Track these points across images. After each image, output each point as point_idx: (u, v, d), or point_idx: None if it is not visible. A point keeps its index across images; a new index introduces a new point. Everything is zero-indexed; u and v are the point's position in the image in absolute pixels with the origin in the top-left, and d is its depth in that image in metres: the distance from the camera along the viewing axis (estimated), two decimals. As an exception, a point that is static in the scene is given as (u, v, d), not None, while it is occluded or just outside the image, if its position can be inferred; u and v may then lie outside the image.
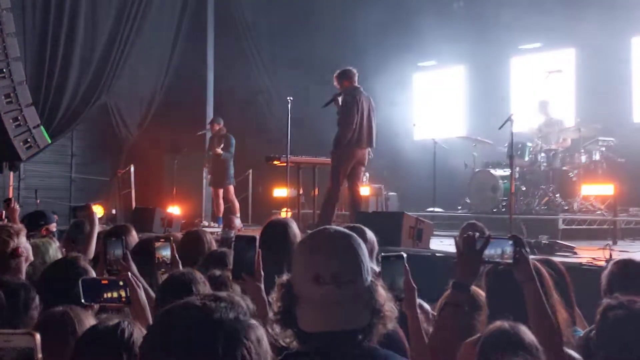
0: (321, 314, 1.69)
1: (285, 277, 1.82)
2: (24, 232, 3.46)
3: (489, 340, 2.24)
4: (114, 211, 11.76)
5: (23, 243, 3.38)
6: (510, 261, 2.40)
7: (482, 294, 2.76)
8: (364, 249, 1.80)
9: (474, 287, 2.55)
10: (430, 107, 12.60)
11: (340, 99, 7.44)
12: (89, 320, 2.16)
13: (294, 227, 3.53)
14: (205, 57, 13.55)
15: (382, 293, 1.76)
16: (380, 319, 1.72)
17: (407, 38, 11.43)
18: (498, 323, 2.27)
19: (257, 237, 2.74)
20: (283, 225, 3.53)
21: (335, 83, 7.61)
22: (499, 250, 2.42)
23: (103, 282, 2.37)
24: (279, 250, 3.13)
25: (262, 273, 2.45)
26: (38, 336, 1.13)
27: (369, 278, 1.77)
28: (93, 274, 2.84)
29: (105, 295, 2.35)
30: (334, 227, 1.90)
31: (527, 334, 2.21)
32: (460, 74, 12.25)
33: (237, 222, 7.52)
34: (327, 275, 1.70)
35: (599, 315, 2.36)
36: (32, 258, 3.39)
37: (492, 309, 2.62)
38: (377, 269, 3.49)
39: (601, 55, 9.81)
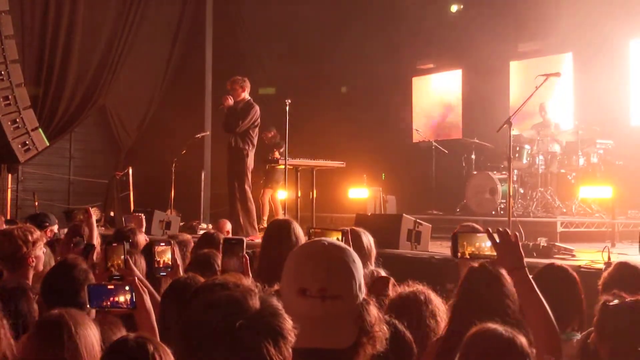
0: (304, 328, 1.57)
1: (276, 286, 1.77)
2: (41, 242, 3.44)
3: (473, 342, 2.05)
4: (112, 214, 11.74)
5: (36, 252, 3.38)
6: (494, 254, 2.26)
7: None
8: (358, 264, 1.72)
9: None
10: (428, 110, 12.61)
11: (240, 107, 7.91)
12: (87, 323, 2.14)
13: (297, 227, 3.55)
14: (204, 58, 13.54)
15: (373, 312, 1.67)
16: (369, 339, 1.64)
17: (406, 41, 11.44)
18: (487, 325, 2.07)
19: (245, 240, 2.82)
20: (286, 225, 3.56)
21: (231, 87, 8.00)
22: (483, 245, 2.36)
23: (109, 287, 2.37)
24: (282, 250, 3.15)
25: (250, 274, 2.48)
26: None
27: (361, 295, 1.68)
28: (92, 276, 2.83)
29: (111, 300, 2.36)
30: (328, 239, 1.83)
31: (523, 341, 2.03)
32: (459, 76, 12.25)
33: (228, 226, 7.46)
34: (313, 289, 1.63)
35: (599, 310, 2.26)
36: (41, 268, 3.37)
37: (459, 313, 2.46)
38: (383, 272, 3.49)
39: (599, 58, 9.82)
